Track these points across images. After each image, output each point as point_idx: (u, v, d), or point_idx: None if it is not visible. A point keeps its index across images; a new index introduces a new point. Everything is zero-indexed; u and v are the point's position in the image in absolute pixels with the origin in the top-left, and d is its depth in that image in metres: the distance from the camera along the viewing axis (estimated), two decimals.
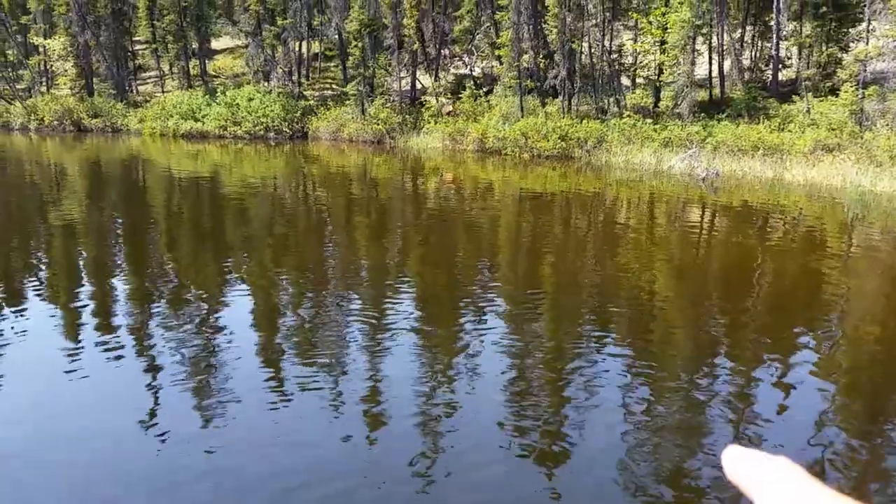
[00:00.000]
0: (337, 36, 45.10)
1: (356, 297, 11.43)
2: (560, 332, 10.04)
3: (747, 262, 14.41)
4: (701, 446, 6.68)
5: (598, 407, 7.39)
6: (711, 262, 14.91)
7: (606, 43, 35.37)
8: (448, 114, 37.24)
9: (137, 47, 54.54)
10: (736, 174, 26.11)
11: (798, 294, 12.36)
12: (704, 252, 15.88)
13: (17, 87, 51.79)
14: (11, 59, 54.47)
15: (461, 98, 36.63)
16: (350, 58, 40.05)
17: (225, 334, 9.44)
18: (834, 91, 28.62)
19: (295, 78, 44.07)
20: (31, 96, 50.10)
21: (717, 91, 33.38)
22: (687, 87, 30.53)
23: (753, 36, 35.93)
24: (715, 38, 32.95)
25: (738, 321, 10.64)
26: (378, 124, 37.87)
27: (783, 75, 33.64)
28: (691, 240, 17.04)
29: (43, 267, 13.29)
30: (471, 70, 42.59)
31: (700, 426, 7.12)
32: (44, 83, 51.90)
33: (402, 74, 40.70)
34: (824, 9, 31.93)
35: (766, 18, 34.30)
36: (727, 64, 33.75)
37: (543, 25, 36.15)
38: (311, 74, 47.92)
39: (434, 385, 7.94)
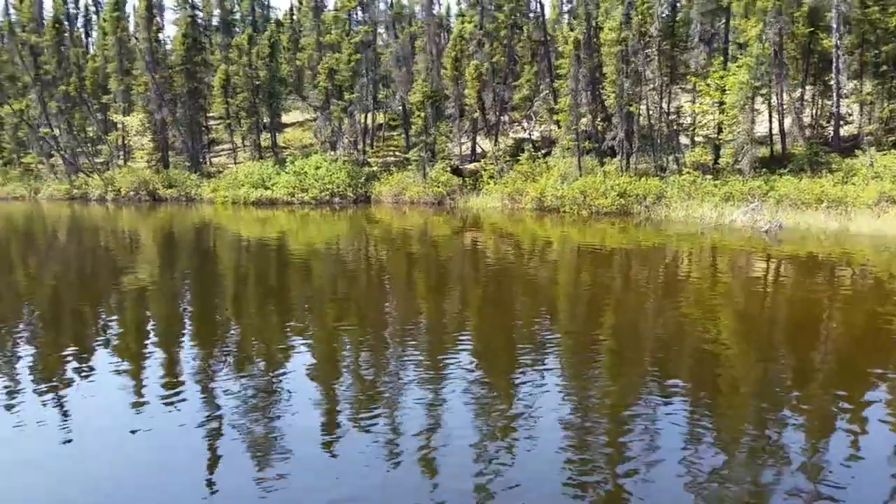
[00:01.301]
0: (401, 107, 46.89)
1: (416, 350, 11.50)
2: (622, 383, 9.83)
3: (814, 313, 14.02)
4: (767, 501, 6.44)
5: (661, 461, 7.19)
6: (777, 313, 14.49)
7: (664, 105, 35.77)
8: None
9: (211, 122, 57.64)
10: (799, 226, 25.69)
11: (867, 345, 11.83)
12: (770, 302, 15.49)
13: (96, 160, 55.21)
14: (91, 134, 58.25)
15: (520, 160, 37.33)
16: (413, 126, 41.47)
17: (286, 391, 9.57)
18: None
19: (360, 146, 45.83)
20: (108, 169, 53.14)
21: (777, 147, 33.19)
22: (747, 144, 30.50)
23: (814, 94, 35.82)
24: (774, 98, 33.00)
25: (806, 373, 10.26)
26: (438, 186, 38.84)
27: (844, 131, 33.33)
28: (756, 290, 16.70)
29: (115, 328, 13.78)
30: (529, 134, 43.50)
31: (766, 481, 6.80)
32: (121, 156, 55.12)
33: (463, 140, 41.83)
34: (885, 67, 31.86)
35: (826, 78, 34.24)
36: (787, 121, 33.64)
37: (601, 91, 36.89)
38: (375, 143, 49.69)
39: (493, 438, 7.87)
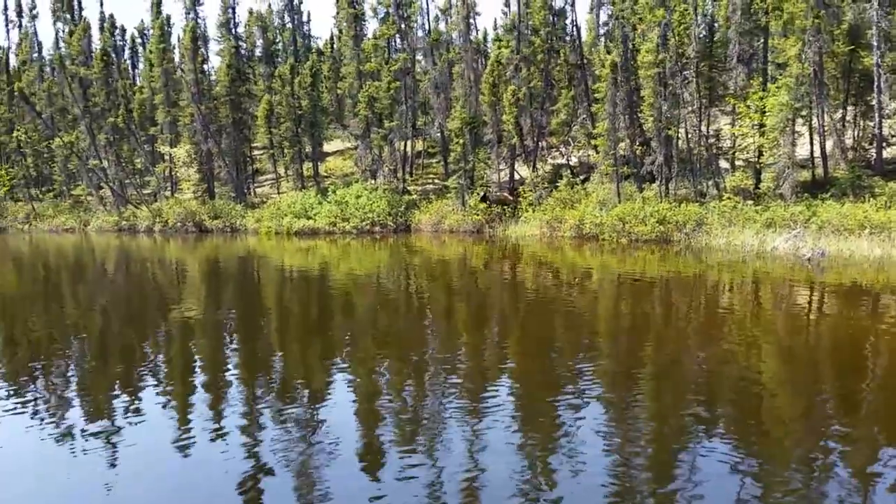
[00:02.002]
0: (439, 134, 47.48)
1: (457, 383, 11.77)
2: (664, 416, 9.91)
3: (860, 345, 13.92)
4: None
5: (703, 498, 7.28)
6: (821, 345, 14.45)
7: (703, 128, 35.64)
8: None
9: (255, 153, 58.96)
10: (842, 253, 25.37)
11: None
12: (813, 334, 15.43)
13: (144, 192, 56.85)
14: (139, 166, 60.04)
15: (558, 187, 37.49)
16: (451, 154, 41.97)
17: (328, 424, 9.90)
18: None
19: (399, 175, 46.49)
20: (156, 200, 54.68)
21: (819, 171, 32.79)
22: (788, 168, 30.24)
23: (855, 115, 35.33)
24: (815, 119, 32.65)
25: (853, 408, 10.20)
26: (478, 214, 39.19)
27: (887, 153, 32.77)
28: (799, 321, 16.66)
29: (161, 358, 14.43)
30: (567, 160, 43.64)
31: None
32: (168, 188, 56.60)
33: (501, 167, 42.15)
34: None
35: (868, 98, 33.77)
36: (829, 144, 33.23)
37: (639, 114, 36.91)
38: (414, 171, 50.32)
39: (535, 472, 8.03)
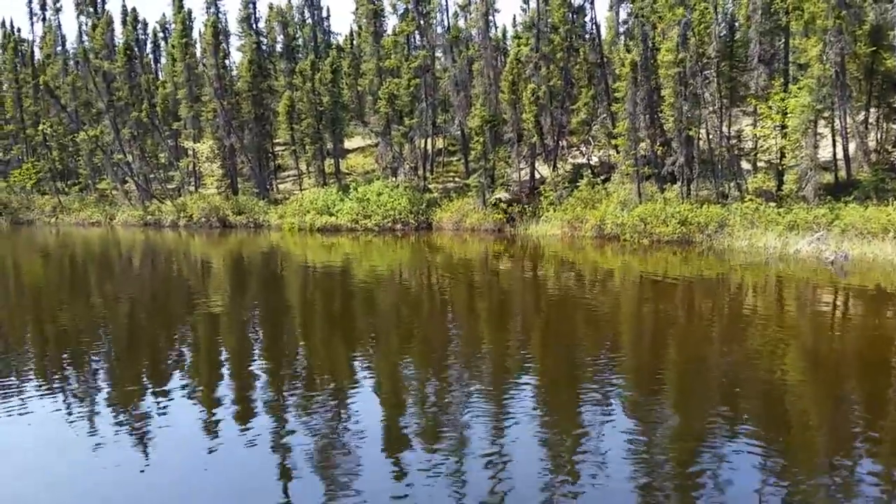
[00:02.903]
0: (459, 132, 47.76)
1: (480, 382, 12.09)
2: (688, 419, 10.12)
3: (883, 349, 14.15)
4: None
5: (727, 499, 7.52)
6: (845, 348, 14.66)
7: (725, 129, 35.71)
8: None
9: (277, 149, 59.48)
10: (866, 257, 25.50)
11: None
12: (838, 338, 15.67)
13: (168, 187, 57.56)
14: (163, 161, 60.75)
15: (579, 186, 37.73)
16: (472, 152, 42.27)
17: (351, 418, 10.32)
18: None
19: (420, 172, 46.85)
20: (180, 195, 55.38)
21: (842, 173, 32.83)
22: (811, 169, 30.31)
23: (878, 118, 35.30)
24: (837, 121, 32.69)
25: (878, 412, 10.39)
26: (498, 214, 39.51)
27: None
28: (823, 324, 16.89)
29: (187, 352, 14.95)
30: (588, 159, 43.82)
31: None
32: (192, 183, 57.27)
33: (522, 165, 42.40)
34: None
35: (891, 100, 33.74)
36: (852, 146, 33.26)
37: (659, 114, 37.04)
38: (434, 168, 50.65)
39: (558, 472, 8.29)
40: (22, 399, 11.38)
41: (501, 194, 40.23)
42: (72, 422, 10.43)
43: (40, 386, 12.18)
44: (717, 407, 10.68)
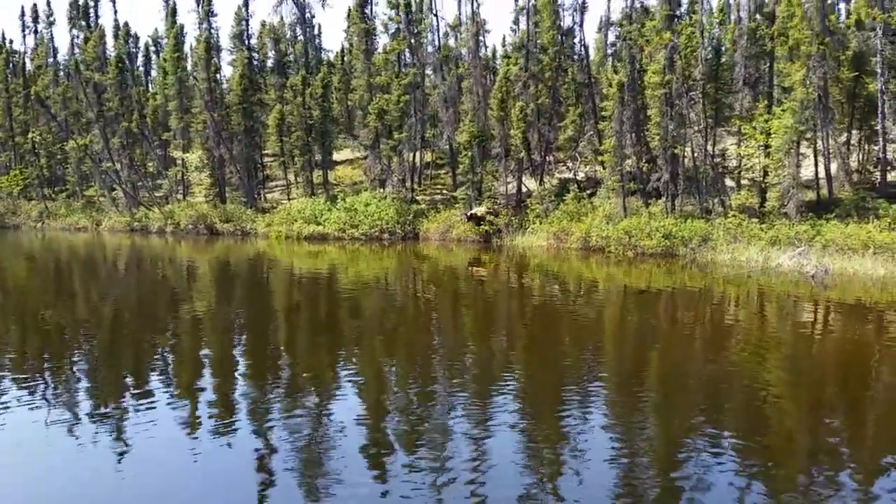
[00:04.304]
0: (448, 146, 48.14)
1: (462, 389, 12.08)
2: (668, 427, 10.17)
3: (863, 360, 14.33)
4: None
5: None
6: (826, 360, 14.81)
7: (709, 147, 36.25)
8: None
9: (266, 159, 59.62)
10: (846, 271, 25.87)
11: None
12: (818, 349, 15.83)
13: (156, 194, 57.51)
14: (151, 170, 60.81)
15: (565, 200, 38.08)
16: (460, 165, 42.60)
17: (334, 423, 10.29)
18: None
19: (408, 184, 47.10)
20: (167, 203, 55.35)
21: (824, 192, 33.37)
22: (793, 188, 30.80)
23: (860, 139, 35.99)
24: (820, 143, 33.29)
25: (857, 421, 10.52)
26: (476, 228, 39.78)
27: (892, 177, 33.41)
28: (804, 336, 17.06)
29: (171, 357, 14.81)
30: (574, 174, 44.26)
31: None
32: (180, 191, 57.25)
33: (509, 179, 42.75)
34: None
35: (872, 123, 34.45)
36: (834, 166, 33.86)
37: (645, 133, 37.55)
38: (422, 181, 50.96)
39: (539, 479, 8.30)
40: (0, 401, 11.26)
41: (478, 209, 40.38)
42: (51, 422, 10.35)
43: (20, 387, 12.04)
44: (698, 414, 10.75)
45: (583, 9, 47.01)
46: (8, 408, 10.94)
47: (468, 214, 40.45)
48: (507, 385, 12.34)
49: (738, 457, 8.89)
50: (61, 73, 68.58)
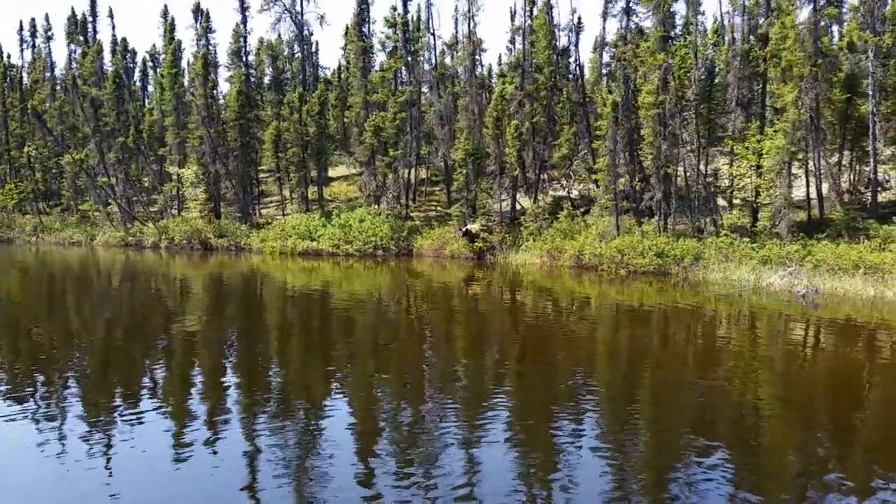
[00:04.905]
0: (443, 163, 48.36)
1: (454, 405, 12.10)
2: (658, 443, 10.22)
3: (854, 378, 14.41)
4: None
5: None
6: (816, 379, 14.88)
7: (702, 167, 36.50)
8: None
9: (262, 175, 59.76)
10: (837, 291, 26.01)
11: None
12: (808, 368, 15.92)
13: (151, 209, 57.55)
14: (147, 184, 60.89)
15: (559, 218, 38.26)
16: (454, 183, 42.80)
17: (326, 438, 10.28)
18: None
19: (403, 201, 47.27)
20: (162, 218, 55.38)
21: (815, 212, 33.61)
22: (784, 208, 31.03)
23: (851, 160, 36.30)
24: (812, 163, 33.56)
25: (847, 439, 10.57)
26: (469, 246, 39.89)
27: (882, 197, 33.68)
28: (794, 355, 17.13)
29: (162, 372, 14.74)
30: (568, 192, 44.49)
31: None
32: (175, 206, 57.32)
33: (503, 197, 42.95)
34: None
35: (863, 144, 34.76)
36: (825, 187, 34.12)
37: (639, 152, 37.81)
38: (417, 197, 51.14)
39: (529, 494, 8.32)
40: None
41: (472, 226, 40.53)
42: (39, 432, 10.36)
43: (9, 404, 11.95)
44: (689, 431, 10.77)
45: (578, 29, 47.51)
46: None
47: (462, 231, 40.59)
48: (500, 401, 12.36)
49: (729, 474, 8.93)
50: (58, 88, 68.97)
